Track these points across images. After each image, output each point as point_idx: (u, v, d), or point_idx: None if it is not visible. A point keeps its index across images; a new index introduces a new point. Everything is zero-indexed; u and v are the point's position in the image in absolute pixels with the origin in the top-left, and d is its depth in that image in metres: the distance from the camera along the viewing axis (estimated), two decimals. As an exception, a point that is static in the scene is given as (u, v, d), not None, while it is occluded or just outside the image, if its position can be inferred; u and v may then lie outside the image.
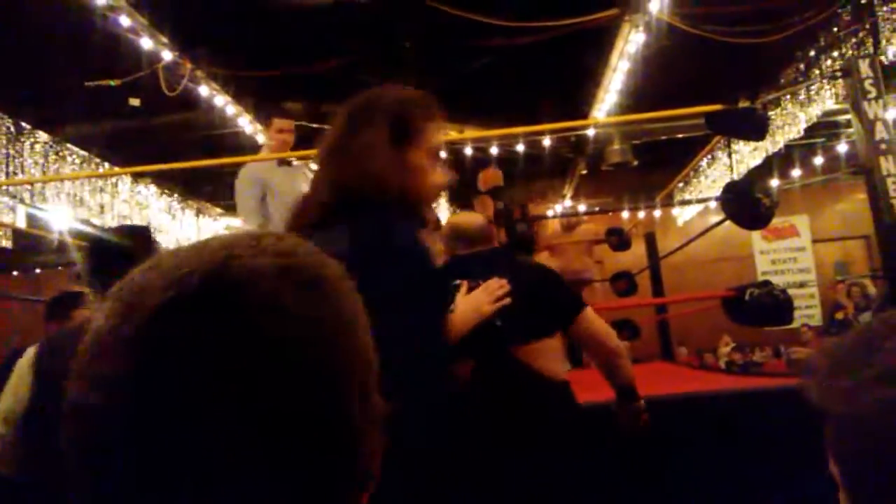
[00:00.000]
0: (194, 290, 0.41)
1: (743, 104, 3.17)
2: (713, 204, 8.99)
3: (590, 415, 2.23)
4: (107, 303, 0.44)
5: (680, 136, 8.13)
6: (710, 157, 8.00)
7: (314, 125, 7.42)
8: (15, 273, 8.96)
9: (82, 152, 6.60)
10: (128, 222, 7.50)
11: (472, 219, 2.30)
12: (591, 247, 6.65)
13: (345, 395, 0.44)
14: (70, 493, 0.41)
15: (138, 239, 2.03)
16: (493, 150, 7.63)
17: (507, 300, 1.80)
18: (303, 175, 3.66)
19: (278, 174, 3.54)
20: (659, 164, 8.96)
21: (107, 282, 1.62)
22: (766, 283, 3.07)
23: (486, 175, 5.11)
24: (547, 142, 7.28)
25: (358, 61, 6.29)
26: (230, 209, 9.93)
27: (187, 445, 0.39)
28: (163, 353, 0.40)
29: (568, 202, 9.86)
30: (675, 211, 9.71)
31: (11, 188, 6.19)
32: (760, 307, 2.91)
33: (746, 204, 2.91)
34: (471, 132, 7.89)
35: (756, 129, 3.22)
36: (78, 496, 0.41)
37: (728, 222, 3.53)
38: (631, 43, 5.42)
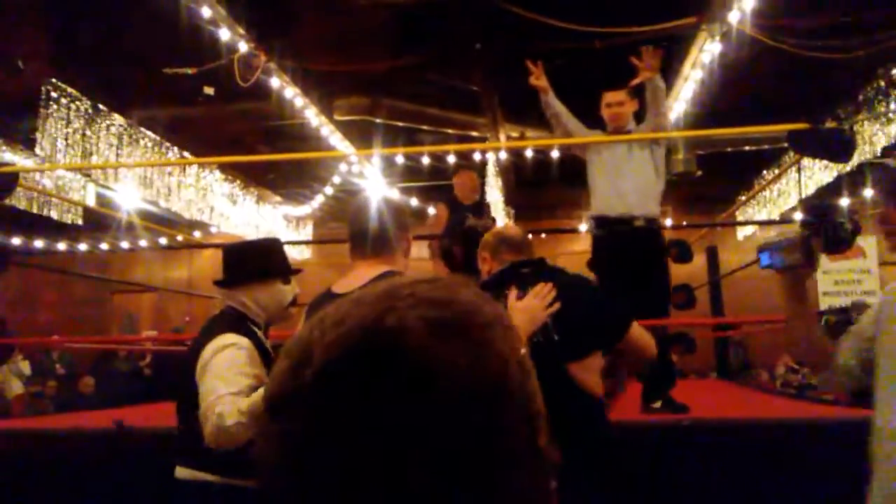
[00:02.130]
0: (352, 350, 0.43)
1: (829, 124, 3.07)
2: (776, 218, 8.77)
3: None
4: (280, 358, 0.46)
5: (746, 148, 7.95)
6: (777, 171, 7.79)
7: (377, 120, 7.50)
8: (83, 248, 9.27)
9: (154, 136, 6.79)
10: (195, 207, 7.70)
11: (516, 229, 2.34)
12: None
13: (505, 442, 0.44)
14: None
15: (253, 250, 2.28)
16: (554, 154, 7.59)
17: (558, 305, 1.87)
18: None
19: None
20: (722, 174, 8.77)
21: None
22: (843, 310, 2.98)
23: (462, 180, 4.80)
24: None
25: (426, 61, 6.31)
26: (289, 197, 10.11)
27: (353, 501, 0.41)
28: (326, 414, 0.42)
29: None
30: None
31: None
32: (836, 333, 2.82)
33: (828, 227, 2.83)
34: (532, 136, 7.86)
35: (841, 151, 3.12)
36: None
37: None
38: (706, 52, 5.31)
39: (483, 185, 5.86)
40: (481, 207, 4.80)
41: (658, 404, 3.37)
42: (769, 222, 8.39)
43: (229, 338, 1.99)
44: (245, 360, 1.96)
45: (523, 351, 0.49)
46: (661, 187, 3.58)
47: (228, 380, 1.90)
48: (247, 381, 1.92)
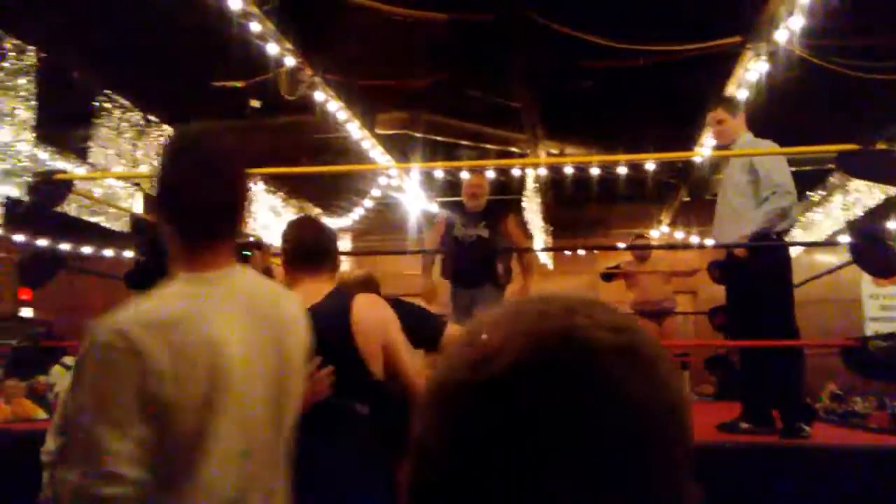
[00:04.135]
0: (538, 359, 0.44)
1: (880, 146, 3.02)
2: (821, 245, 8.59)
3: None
4: (454, 351, 0.48)
5: (792, 169, 7.81)
6: (823, 193, 7.64)
7: (418, 134, 7.58)
8: (129, 255, 9.49)
9: (201, 147, 6.94)
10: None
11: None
12: (669, 276, 6.49)
13: (671, 478, 0.45)
14: None
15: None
16: (594, 171, 7.56)
17: None
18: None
19: None
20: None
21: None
22: (892, 335, 2.91)
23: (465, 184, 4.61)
24: (650, 166, 7.14)
25: (468, 77, 6.37)
26: (329, 210, 10.23)
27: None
28: (504, 413, 0.43)
29: (665, 228, 9.63)
30: (780, 246, 9.30)
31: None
32: (887, 360, 2.76)
33: (879, 249, 2.77)
34: (572, 153, 7.85)
35: (891, 173, 3.06)
36: None
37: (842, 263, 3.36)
38: (751, 71, 5.25)
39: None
40: (487, 215, 4.47)
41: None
42: (814, 244, 8.22)
43: None
44: None
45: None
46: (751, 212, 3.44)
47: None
48: None
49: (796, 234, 8.72)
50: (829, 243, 7.87)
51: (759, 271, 3.30)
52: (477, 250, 4.29)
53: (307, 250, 2.15)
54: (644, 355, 0.47)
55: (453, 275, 4.44)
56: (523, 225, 4.89)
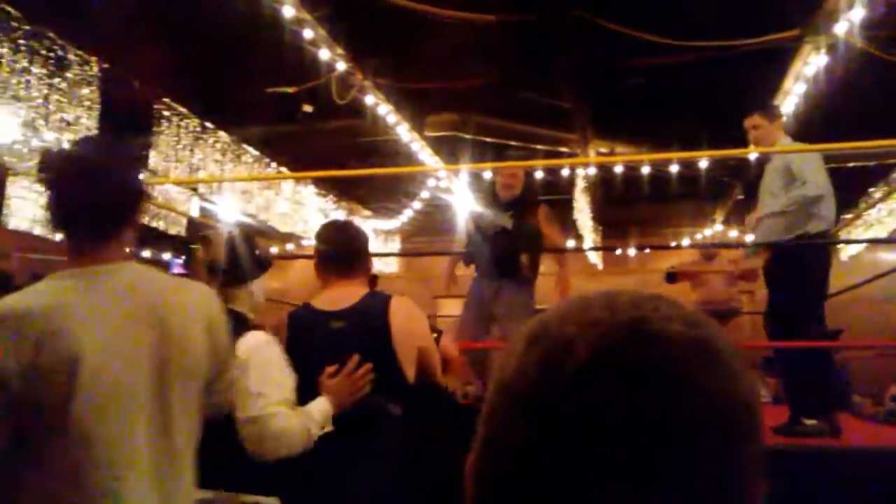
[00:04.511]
0: (611, 352, 0.45)
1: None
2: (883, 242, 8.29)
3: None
4: (520, 348, 0.48)
5: (851, 164, 7.58)
6: (886, 188, 7.38)
7: (467, 136, 7.60)
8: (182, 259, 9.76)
9: (255, 152, 7.11)
10: (290, 220, 7.99)
11: None
12: (735, 277, 6.33)
13: (745, 474, 0.45)
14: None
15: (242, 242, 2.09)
16: (645, 170, 7.46)
17: None
18: None
19: None
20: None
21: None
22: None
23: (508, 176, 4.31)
24: (703, 163, 7.01)
25: (517, 77, 6.36)
26: (378, 212, 10.34)
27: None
28: (582, 408, 0.43)
29: (719, 227, 9.44)
30: (841, 245, 9.02)
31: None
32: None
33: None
34: (622, 152, 7.76)
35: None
36: None
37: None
38: (810, 65, 5.11)
39: (529, 178, 5.05)
40: (517, 206, 4.22)
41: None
42: (877, 241, 7.96)
43: None
44: None
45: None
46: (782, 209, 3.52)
47: None
48: None
49: (858, 233, 8.46)
50: (890, 240, 7.60)
51: (785, 273, 3.41)
52: (500, 241, 4.11)
53: (338, 253, 2.18)
54: (718, 349, 0.46)
55: (476, 265, 4.29)
56: (555, 218, 4.62)
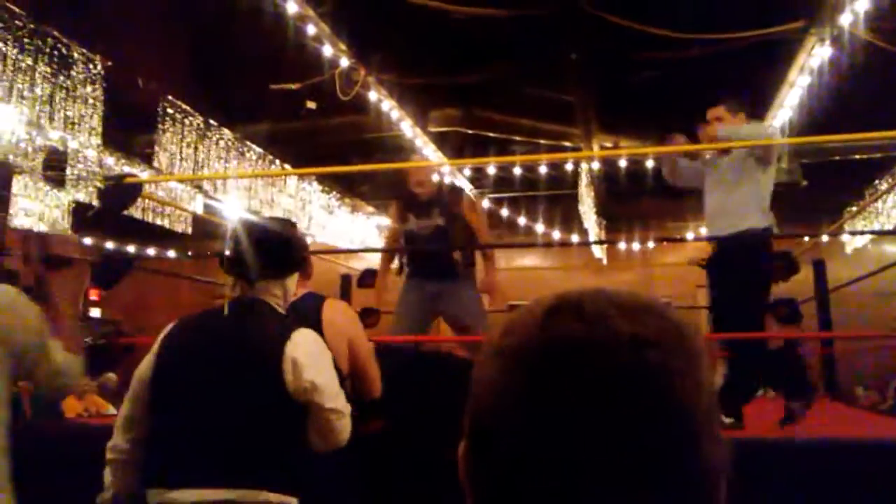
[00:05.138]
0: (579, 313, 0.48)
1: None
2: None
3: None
4: (496, 339, 0.50)
5: (857, 156, 7.56)
6: (890, 180, 7.36)
7: (470, 131, 7.60)
8: (189, 254, 9.80)
9: (259, 149, 7.12)
10: (287, 216, 7.99)
11: None
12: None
13: (718, 469, 0.47)
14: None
15: (285, 232, 2.11)
16: (648, 164, 7.45)
17: None
18: None
19: None
20: (829, 185, 8.35)
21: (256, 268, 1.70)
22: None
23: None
24: (708, 157, 6.99)
25: (521, 72, 6.35)
26: (382, 208, 10.34)
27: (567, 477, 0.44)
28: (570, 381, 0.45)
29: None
30: (845, 237, 9.00)
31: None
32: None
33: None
34: (626, 146, 7.74)
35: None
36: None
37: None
38: (814, 57, 5.10)
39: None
40: (439, 201, 4.05)
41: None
42: (883, 232, 7.94)
43: None
44: None
45: None
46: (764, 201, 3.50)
47: None
48: None
49: (861, 225, 8.43)
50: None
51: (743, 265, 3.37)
52: (436, 241, 4.00)
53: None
54: (691, 340, 0.49)
55: (413, 268, 4.15)
56: (478, 206, 4.48)
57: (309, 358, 1.79)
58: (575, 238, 9.22)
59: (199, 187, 7.19)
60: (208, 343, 1.86)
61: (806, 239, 7.11)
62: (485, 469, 0.48)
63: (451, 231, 4.00)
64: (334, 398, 1.82)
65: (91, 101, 5.58)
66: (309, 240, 9.34)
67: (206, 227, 8.39)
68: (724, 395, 3.38)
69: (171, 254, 9.93)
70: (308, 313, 2.19)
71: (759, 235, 3.39)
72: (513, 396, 0.47)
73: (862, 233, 8.53)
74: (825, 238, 7.94)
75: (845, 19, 4.56)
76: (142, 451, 1.79)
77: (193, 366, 1.82)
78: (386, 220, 10.51)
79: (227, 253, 1.97)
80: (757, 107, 6.63)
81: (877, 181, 7.82)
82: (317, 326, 2.10)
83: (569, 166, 7.88)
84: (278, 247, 2.01)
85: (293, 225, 2.29)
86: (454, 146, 7.78)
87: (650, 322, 0.47)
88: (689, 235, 10.01)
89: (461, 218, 4.03)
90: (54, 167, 6.19)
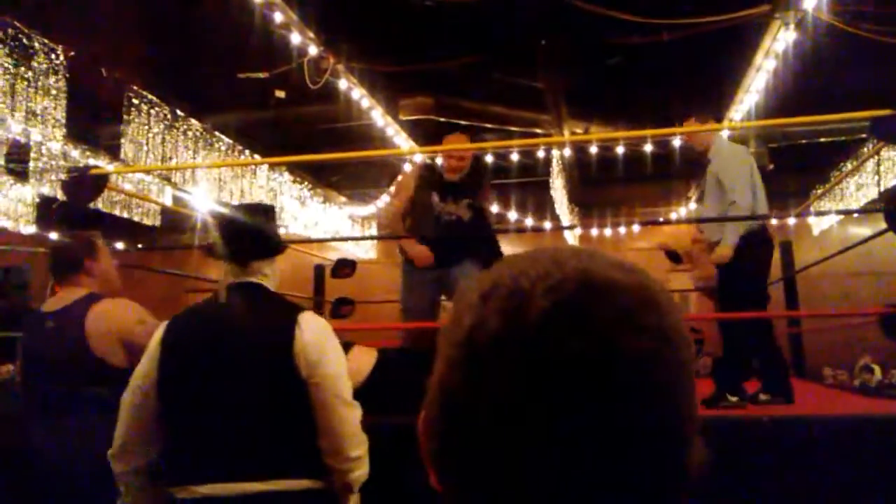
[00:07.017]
0: (570, 300, 0.46)
1: (916, 110, 2.96)
2: (855, 214, 8.44)
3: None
4: (476, 302, 0.49)
5: (822, 140, 7.69)
6: (855, 162, 7.50)
7: (441, 119, 7.57)
8: (158, 248, 9.66)
9: (228, 140, 7.02)
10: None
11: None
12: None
13: (683, 432, 0.47)
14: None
15: (270, 215, 2.10)
16: (619, 150, 7.51)
17: None
18: None
19: None
20: (794, 168, 8.49)
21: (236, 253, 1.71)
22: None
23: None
24: (677, 142, 7.07)
25: (491, 59, 6.33)
26: (354, 198, 10.28)
27: (538, 449, 0.44)
28: (541, 355, 0.45)
29: (693, 206, 9.53)
30: (812, 219, 9.16)
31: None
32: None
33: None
34: (597, 132, 7.78)
35: (929, 136, 3.00)
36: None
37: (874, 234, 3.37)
38: (779, 41, 5.16)
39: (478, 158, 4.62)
40: (469, 190, 3.89)
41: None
42: (848, 212, 8.10)
43: None
44: None
45: None
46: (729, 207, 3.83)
47: None
48: None
49: (828, 206, 8.59)
50: (864, 211, 7.73)
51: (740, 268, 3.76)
52: (455, 232, 3.84)
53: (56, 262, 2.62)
54: (654, 291, 0.49)
55: (440, 259, 3.87)
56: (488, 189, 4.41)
57: (318, 342, 1.79)
58: (548, 225, 9.26)
59: (168, 179, 7.07)
60: (215, 336, 1.82)
61: (774, 221, 7.22)
62: (455, 448, 0.48)
63: (474, 227, 3.87)
64: (342, 383, 1.82)
65: (54, 92, 5.45)
66: (281, 231, 9.27)
67: (174, 221, 8.28)
68: (724, 376, 3.67)
69: (139, 247, 9.78)
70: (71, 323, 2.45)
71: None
72: (478, 389, 0.46)
73: (828, 213, 8.70)
74: (792, 220, 8.07)
75: (809, 3, 4.62)
76: (157, 457, 1.78)
77: (204, 361, 1.78)
78: (359, 210, 10.46)
79: (217, 236, 1.95)
80: (724, 91, 6.72)
81: (841, 164, 7.96)
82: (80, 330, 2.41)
83: (540, 153, 7.90)
84: (265, 226, 2.00)
85: (272, 208, 2.25)
86: (426, 135, 7.75)
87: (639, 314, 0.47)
88: (660, 220, 10.12)
89: (486, 210, 3.99)
90: (17, 160, 6.05)
